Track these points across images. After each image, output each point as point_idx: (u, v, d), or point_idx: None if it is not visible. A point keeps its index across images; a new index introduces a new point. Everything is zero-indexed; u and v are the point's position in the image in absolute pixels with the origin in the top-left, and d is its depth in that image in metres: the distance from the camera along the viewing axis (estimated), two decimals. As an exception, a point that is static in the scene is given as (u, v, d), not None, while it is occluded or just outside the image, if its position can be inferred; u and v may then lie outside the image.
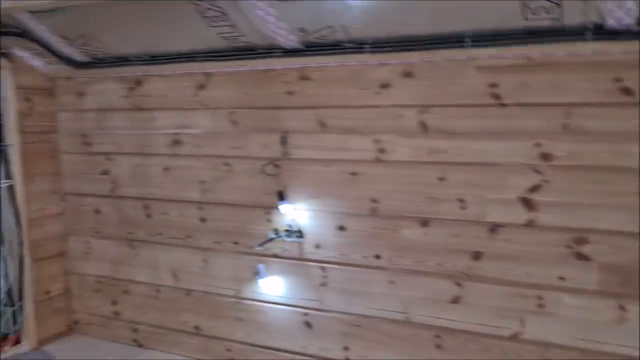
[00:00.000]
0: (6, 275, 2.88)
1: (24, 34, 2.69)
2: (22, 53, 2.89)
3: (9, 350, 2.99)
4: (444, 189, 2.25)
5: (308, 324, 2.62)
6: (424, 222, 2.31)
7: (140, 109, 2.89)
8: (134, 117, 2.91)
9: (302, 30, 2.23)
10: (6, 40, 2.75)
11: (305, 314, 2.62)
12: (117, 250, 3.09)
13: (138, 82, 2.87)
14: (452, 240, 2.27)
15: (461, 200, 2.23)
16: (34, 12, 2.51)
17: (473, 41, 2.05)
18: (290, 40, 2.32)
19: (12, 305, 2.98)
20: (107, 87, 2.96)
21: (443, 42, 2.11)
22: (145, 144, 2.90)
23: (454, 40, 2.08)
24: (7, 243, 2.90)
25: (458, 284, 2.28)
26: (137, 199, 2.98)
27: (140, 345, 3.10)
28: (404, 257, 2.37)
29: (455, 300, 2.29)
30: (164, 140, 2.85)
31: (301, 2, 2.08)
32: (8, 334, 3.02)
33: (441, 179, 2.25)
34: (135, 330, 3.11)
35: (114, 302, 3.15)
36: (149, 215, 2.96)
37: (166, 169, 2.87)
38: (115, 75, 2.91)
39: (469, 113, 2.17)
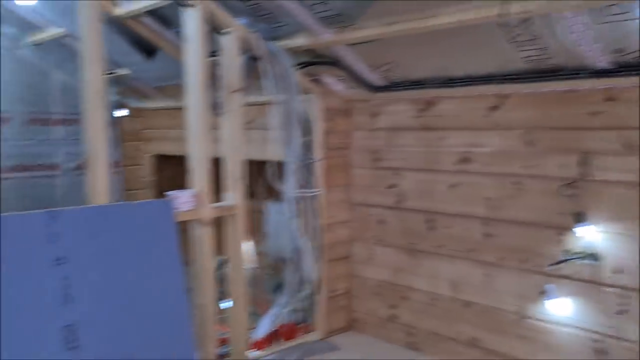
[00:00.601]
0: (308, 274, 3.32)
1: (336, 63, 3.11)
2: (329, 79, 3.34)
3: (304, 337, 3.45)
4: None
5: (600, 352, 2.53)
6: None
7: (430, 129, 3.11)
8: (423, 136, 3.15)
9: (618, 51, 2.21)
10: (319, 69, 3.22)
11: (597, 341, 2.54)
12: (398, 258, 3.35)
13: (429, 104, 3.10)
14: None
15: None
16: (351, 44, 2.89)
17: None
18: (600, 61, 2.30)
19: (309, 298, 3.43)
20: (399, 109, 3.25)
21: None
22: (432, 161, 3.11)
23: None
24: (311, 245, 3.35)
25: None
26: (421, 212, 3.20)
27: (415, 349, 3.30)
28: None
29: None
30: (452, 158, 3.02)
31: (621, 22, 2.06)
32: (303, 322, 3.48)
33: None
34: (410, 334, 3.33)
35: (392, 306, 3.41)
36: (431, 228, 3.15)
37: (452, 185, 3.03)
38: (407, 98, 3.19)
39: None
